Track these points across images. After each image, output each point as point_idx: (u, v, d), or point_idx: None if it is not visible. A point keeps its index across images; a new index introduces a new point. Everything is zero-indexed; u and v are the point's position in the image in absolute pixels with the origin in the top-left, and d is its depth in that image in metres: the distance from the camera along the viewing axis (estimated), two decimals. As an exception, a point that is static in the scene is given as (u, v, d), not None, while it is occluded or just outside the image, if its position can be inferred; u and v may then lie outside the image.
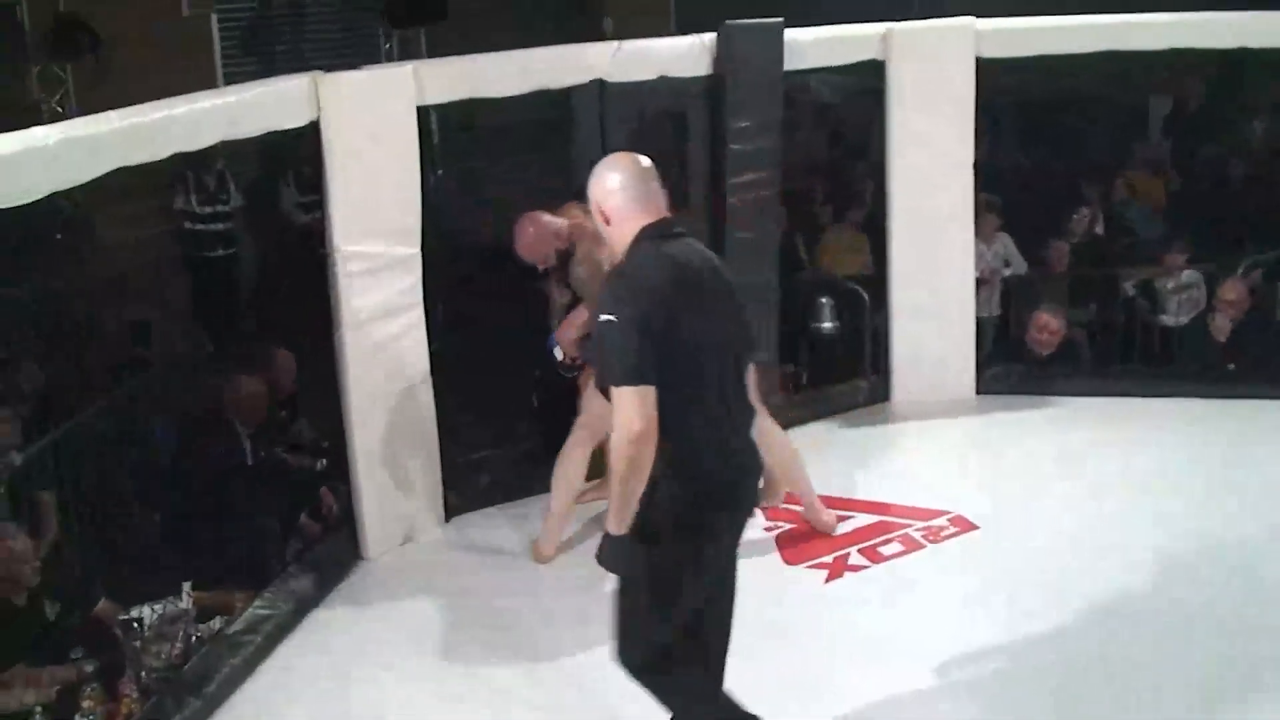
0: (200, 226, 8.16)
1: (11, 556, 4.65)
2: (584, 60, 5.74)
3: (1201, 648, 4.50)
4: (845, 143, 8.86)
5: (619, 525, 3.40)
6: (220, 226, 8.18)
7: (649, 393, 3.31)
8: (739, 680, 4.40)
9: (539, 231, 5.34)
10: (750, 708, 4.17)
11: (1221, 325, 7.07)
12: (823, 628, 4.82)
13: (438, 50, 8.34)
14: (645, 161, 3.55)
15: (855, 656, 4.60)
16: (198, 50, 8.82)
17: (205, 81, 7.77)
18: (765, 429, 5.21)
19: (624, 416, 3.30)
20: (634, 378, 3.30)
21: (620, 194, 3.48)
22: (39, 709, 4.33)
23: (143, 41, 8.19)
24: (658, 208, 3.49)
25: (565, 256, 5.38)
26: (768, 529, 5.43)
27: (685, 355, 3.37)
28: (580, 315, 5.28)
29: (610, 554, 3.44)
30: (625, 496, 3.37)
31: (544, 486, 6.00)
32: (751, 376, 5.09)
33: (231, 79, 8.31)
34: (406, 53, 8.97)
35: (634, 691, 4.43)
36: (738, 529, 3.67)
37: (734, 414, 3.57)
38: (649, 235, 3.45)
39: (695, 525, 3.49)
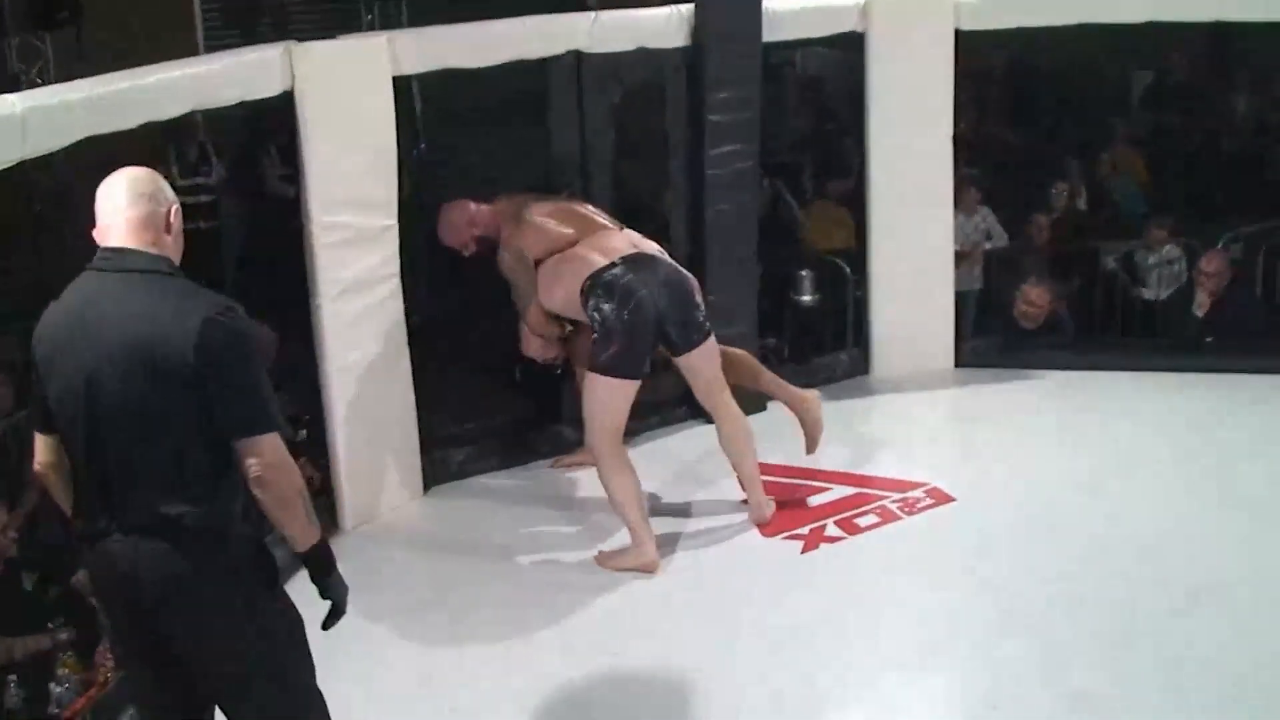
0: (184, 199, 8.12)
1: (-13, 527, 4.68)
2: (561, 31, 5.72)
3: (1173, 621, 4.50)
4: (826, 116, 8.85)
5: None
6: (202, 199, 8.16)
7: (38, 436, 3.13)
8: (714, 651, 4.46)
9: (455, 218, 5.47)
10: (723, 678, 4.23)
11: (1200, 299, 7.09)
12: (797, 599, 4.83)
13: (419, 23, 8.30)
14: (130, 179, 3.09)
15: (828, 628, 4.61)
16: (179, 23, 8.79)
17: (187, 54, 7.73)
18: (719, 404, 5.25)
19: None
20: (32, 419, 3.17)
21: (97, 213, 3.08)
22: (13, 678, 4.35)
23: (124, 13, 8.14)
24: (116, 234, 3.03)
25: (495, 246, 5.43)
26: (744, 500, 5.44)
27: (55, 406, 3.04)
28: (531, 335, 5.43)
29: None
30: None
31: (522, 458, 6.06)
32: (709, 354, 5.09)
33: (213, 51, 8.27)
34: (388, 25, 8.93)
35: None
36: (141, 639, 3.08)
37: (121, 489, 2.98)
38: (90, 264, 3.06)
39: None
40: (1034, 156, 8.41)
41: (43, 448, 3.14)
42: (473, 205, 5.48)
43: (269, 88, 4.98)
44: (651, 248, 5.23)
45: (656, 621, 4.73)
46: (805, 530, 5.30)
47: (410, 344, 5.59)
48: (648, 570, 4.99)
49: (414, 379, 5.63)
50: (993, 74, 8.28)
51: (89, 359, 2.96)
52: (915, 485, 5.61)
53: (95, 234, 3.08)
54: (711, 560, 5.15)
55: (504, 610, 4.83)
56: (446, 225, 5.52)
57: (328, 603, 3.22)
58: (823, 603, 4.79)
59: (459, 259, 5.62)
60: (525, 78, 5.89)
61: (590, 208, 5.47)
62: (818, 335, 7.41)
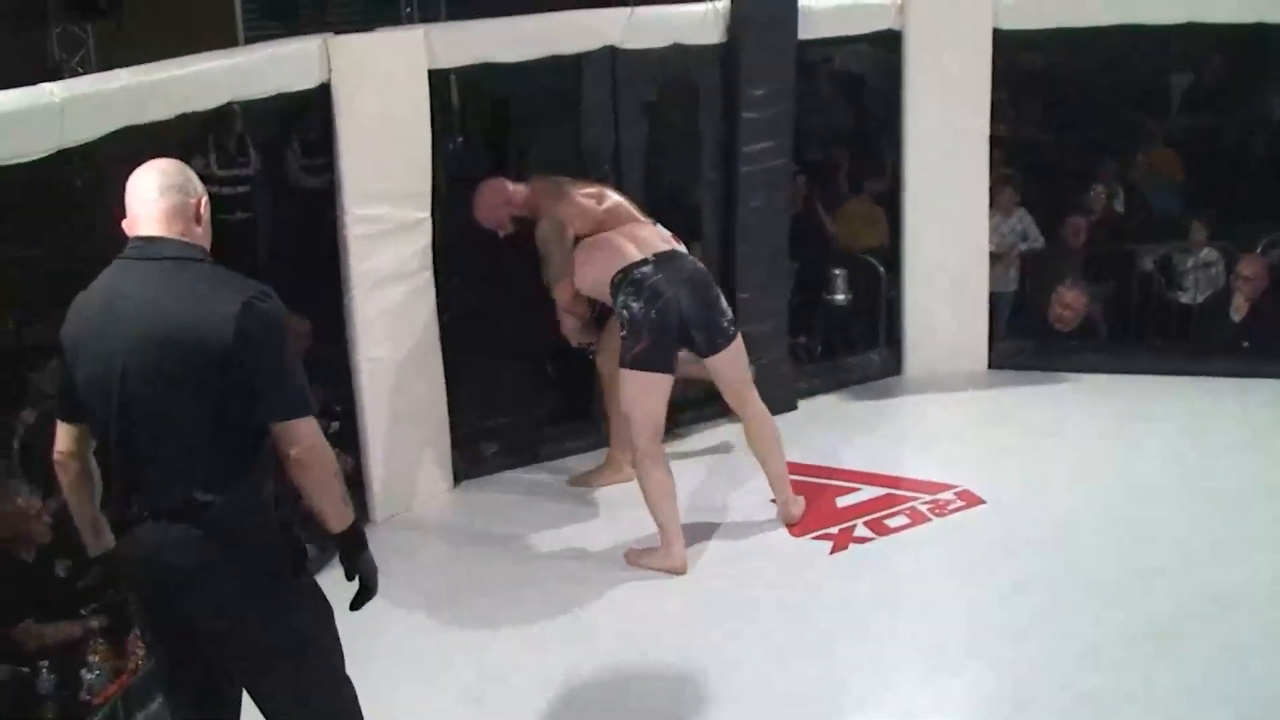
0: (220, 189, 8.16)
1: (20, 514, 4.71)
2: (596, 26, 5.72)
3: (1198, 626, 4.47)
4: (862, 113, 8.81)
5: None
6: (240, 189, 8.19)
7: (60, 425, 3.15)
8: (742, 649, 4.45)
9: (490, 198, 5.40)
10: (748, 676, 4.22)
11: (1238, 303, 7.02)
12: (825, 599, 4.82)
13: (457, 17, 8.33)
14: (160, 170, 3.09)
15: (856, 629, 4.60)
16: (220, 13, 8.85)
17: (227, 45, 7.78)
18: (747, 404, 5.22)
19: None
20: (56, 408, 3.20)
21: (127, 205, 3.08)
22: (45, 664, 4.38)
23: (165, 4, 8.19)
24: (147, 223, 3.02)
25: (530, 226, 5.39)
26: (774, 500, 5.42)
27: (84, 394, 3.04)
28: (567, 315, 5.39)
29: None
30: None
31: (552, 453, 6.07)
32: (735, 355, 5.03)
33: (253, 43, 8.31)
34: (426, 19, 8.95)
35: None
36: (168, 624, 3.10)
37: (152, 474, 3.00)
38: (121, 254, 3.06)
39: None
40: (1071, 158, 8.34)
41: (65, 436, 3.16)
42: (510, 184, 5.44)
43: (306, 79, 5.00)
44: (676, 243, 5.19)
45: (682, 619, 4.73)
46: (835, 530, 5.29)
47: (442, 337, 5.60)
48: (675, 573, 4.99)
49: (446, 372, 5.65)
50: (1031, 74, 8.21)
51: (121, 346, 2.95)
52: (946, 487, 5.59)
53: (125, 225, 3.09)
54: (739, 559, 5.14)
55: (530, 605, 4.84)
56: (482, 204, 5.44)
57: (356, 586, 3.24)
58: (850, 603, 4.77)
59: (493, 253, 5.63)
60: (560, 72, 5.88)
61: (622, 197, 5.42)
62: (850, 334, 7.39)
